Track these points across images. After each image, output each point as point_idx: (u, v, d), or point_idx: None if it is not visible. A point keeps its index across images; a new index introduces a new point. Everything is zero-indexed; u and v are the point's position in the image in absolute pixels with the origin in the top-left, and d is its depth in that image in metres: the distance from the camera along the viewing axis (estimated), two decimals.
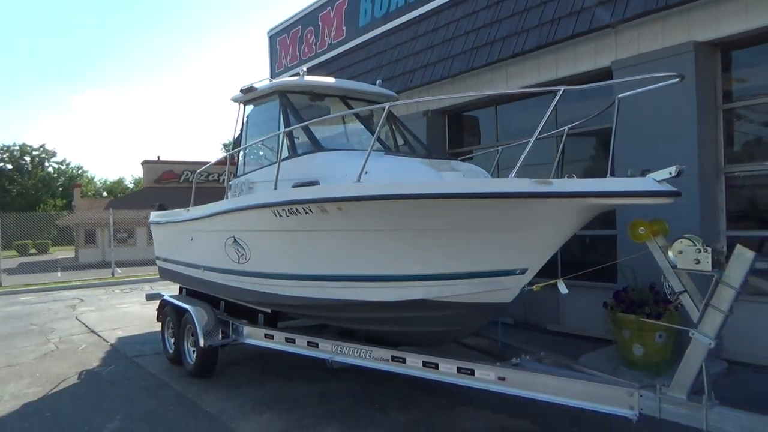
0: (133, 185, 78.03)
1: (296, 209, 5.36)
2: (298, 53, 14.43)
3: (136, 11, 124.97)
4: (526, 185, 4.06)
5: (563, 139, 5.87)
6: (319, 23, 13.52)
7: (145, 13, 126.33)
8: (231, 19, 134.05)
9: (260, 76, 21.46)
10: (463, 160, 8.75)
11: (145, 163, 42.41)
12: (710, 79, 6.89)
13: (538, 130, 4.14)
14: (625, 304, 6.49)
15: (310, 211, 5.23)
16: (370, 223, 4.90)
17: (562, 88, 4.17)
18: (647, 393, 4.01)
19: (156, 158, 43.42)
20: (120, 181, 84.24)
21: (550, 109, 4.14)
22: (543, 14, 7.89)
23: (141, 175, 49.86)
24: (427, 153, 7.07)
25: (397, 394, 6.27)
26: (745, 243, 6.60)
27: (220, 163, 8.20)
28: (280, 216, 5.58)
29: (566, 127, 5.84)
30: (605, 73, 7.53)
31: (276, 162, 6.07)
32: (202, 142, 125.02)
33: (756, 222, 7.02)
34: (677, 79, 4.14)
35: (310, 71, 13.54)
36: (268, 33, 15.88)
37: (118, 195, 64.40)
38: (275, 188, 5.81)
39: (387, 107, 4.86)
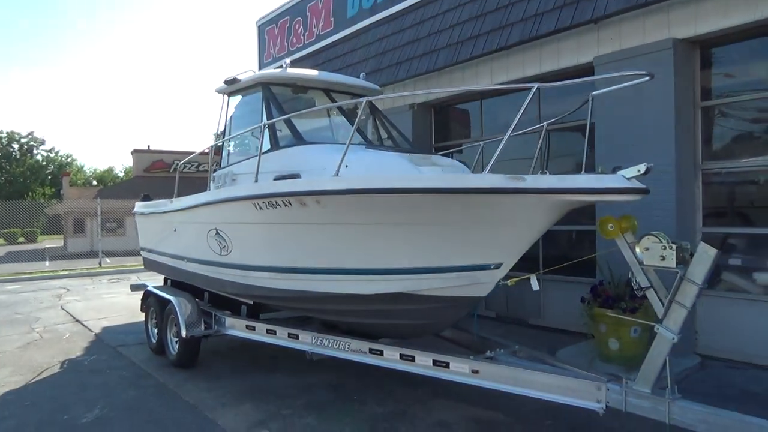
0: (123, 174, 77.55)
1: (276, 202, 5.40)
2: (286, 44, 14.38)
3: None
4: (498, 181, 4.12)
5: (541, 135, 5.94)
6: (308, 14, 13.47)
7: None
8: (225, 5, 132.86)
9: (250, 66, 21.34)
10: (450, 154, 8.82)
11: (135, 152, 42.20)
12: (689, 76, 6.96)
13: (512, 127, 4.20)
14: (601, 299, 6.58)
15: (290, 204, 5.27)
16: (347, 217, 4.95)
17: (536, 85, 4.22)
18: (614, 386, 4.10)
19: (146, 147, 43.26)
20: (110, 170, 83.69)
21: (524, 106, 4.19)
22: (526, 9, 7.92)
23: (131, 165, 49.55)
24: (409, 147, 7.10)
25: (377, 386, 6.34)
26: (718, 240, 6.73)
27: (206, 153, 8.19)
28: (261, 208, 5.61)
29: (545, 124, 5.89)
30: (588, 69, 7.58)
31: (262, 153, 6.13)
32: (194, 131, 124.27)
33: (732, 219, 7.12)
34: (648, 78, 4.18)
35: (298, 62, 13.54)
36: (256, 23, 15.80)
37: (108, 184, 64.05)
38: (256, 180, 5.84)
39: (364, 101, 4.90)
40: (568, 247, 8.94)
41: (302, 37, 13.69)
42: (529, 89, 4.22)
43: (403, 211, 4.62)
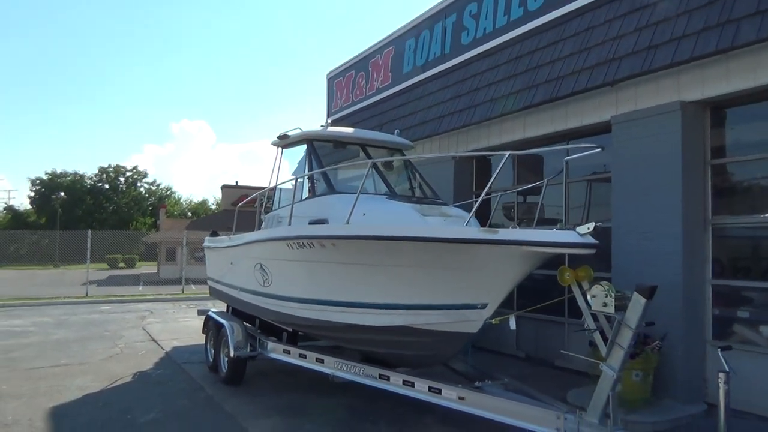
0: (215, 206, 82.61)
1: (303, 243, 6.37)
2: (351, 95, 15.70)
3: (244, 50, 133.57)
4: (473, 233, 4.88)
5: (544, 188, 6.58)
6: (370, 68, 14.72)
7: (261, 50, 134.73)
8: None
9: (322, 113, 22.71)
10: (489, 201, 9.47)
11: (224, 187, 45.42)
12: (699, 136, 7.34)
13: (487, 187, 5.01)
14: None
15: (313, 245, 6.23)
16: (356, 258, 5.83)
17: (509, 152, 4.96)
18: (570, 416, 4.65)
19: (234, 183, 46.40)
20: (204, 202, 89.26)
21: (498, 170, 4.95)
22: (550, 72, 8.61)
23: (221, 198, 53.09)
24: (434, 197, 7.87)
25: (390, 410, 7.04)
26: (730, 292, 7.07)
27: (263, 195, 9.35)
28: (292, 248, 6.60)
29: (545, 180, 6.54)
30: (606, 127, 8.12)
31: (300, 200, 7.18)
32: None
33: (742, 272, 7.33)
34: (599, 150, 4.81)
35: (359, 113, 14.78)
36: (327, 75, 17.30)
37: (201, 215, 68.58)
38: (290, 224, 6.86)
39: (370, 163, 5.83)
40: None
41: (364, 90, 14.94)
42: (502, 155, 4.97)
43: (399, 254, 5.44)
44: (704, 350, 7.26)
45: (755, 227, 7.17)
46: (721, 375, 3.86)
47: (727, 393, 3.91)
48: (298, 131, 8.06)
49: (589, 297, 4.57)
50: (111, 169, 78.01)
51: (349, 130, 8.49)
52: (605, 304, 4.37)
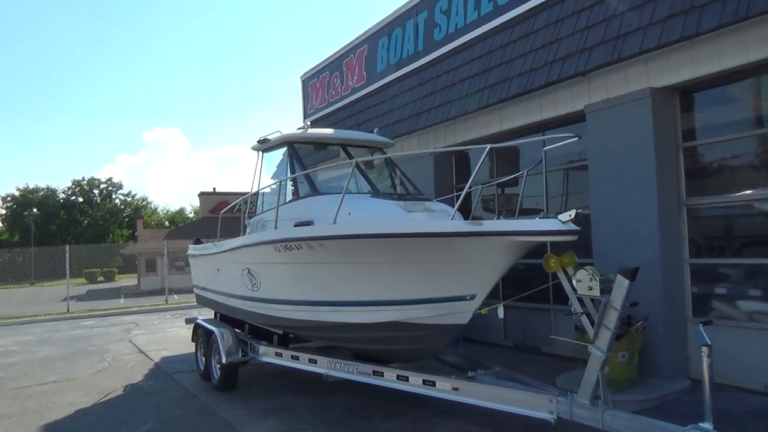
0: (193, 215, 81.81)
1: (291, 245, 6.42)
2: (326, 96, 15.74)
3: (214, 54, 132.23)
4: (460, 226, 4.99)
5: (524, 179, 6.73)
6: (344, 69, 14.79)
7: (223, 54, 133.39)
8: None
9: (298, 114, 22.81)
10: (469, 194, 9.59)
11: (201, 194, 45.01)
12: (670, 120, 7.56)
13: (470, 181, 5.10)
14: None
15: (301, 247, 6.28)
16: (345, 257, 5.90)
17: (488, 146, 5.08)
18: (562, 399, 4.79)
19: (212, 190, 46.00)
20: (181, 211, 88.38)
21: (479, 164, 5.07)
22: (523, 65, 8.78)
23: (199, 206, 52.57)
24: (417, 193, 7.98)
25: (385, 406, 7.12)
26: (707, 270, 7.27)
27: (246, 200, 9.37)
28: (280, 251, 6.65)
29: (524, 171, 6.68)
30: (580, 116, 8.31)
31: (284, 203, 7.23)
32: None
33: (717, 250, 7.58)
34: (577, 138, 4.95)
35: (336, 113, 14.83)
36: (301, 77, 17.32)
37: (179, 225, 67.87)
38: (275, 227, 6.91)
39: (353, 163, 5.90)
40: None
41: (340, 90, 15.00)
42: (482, 149, 5.09)
43: (387, 251, 5.52)
44: (685, 328, 7.49)
45: (727, 206, 7.40)
46: (704, 349, 4.02)
47: (711, 366, 4.06)
48: (278, 134, 8.09)
49: (574, 282, 4.71)
50: (85, 181, 76.89)
51: (329, 131, 8.55)
52: (591, 288, 4.51)
